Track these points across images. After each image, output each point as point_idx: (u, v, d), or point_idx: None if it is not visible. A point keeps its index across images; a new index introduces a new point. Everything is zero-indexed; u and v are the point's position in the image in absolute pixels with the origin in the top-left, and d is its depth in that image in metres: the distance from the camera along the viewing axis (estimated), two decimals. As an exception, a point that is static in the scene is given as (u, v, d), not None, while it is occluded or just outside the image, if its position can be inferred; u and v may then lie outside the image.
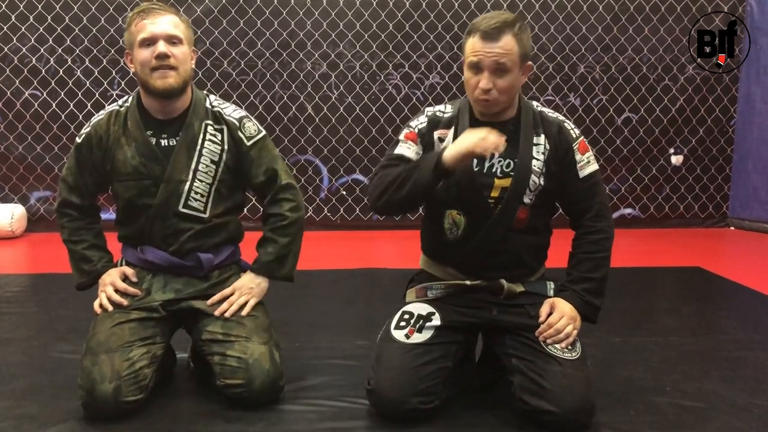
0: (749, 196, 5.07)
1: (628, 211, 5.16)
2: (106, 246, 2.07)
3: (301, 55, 4.80)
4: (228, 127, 1.98)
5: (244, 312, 1.94)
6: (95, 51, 4.66)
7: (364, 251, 4.46)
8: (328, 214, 4.99)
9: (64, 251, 2.06)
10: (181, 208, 1.94)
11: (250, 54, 4.76)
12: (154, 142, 1.93)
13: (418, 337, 1.82)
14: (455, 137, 1.79)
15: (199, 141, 1.95)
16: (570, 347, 1.79)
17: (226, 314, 1.93)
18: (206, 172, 1.96)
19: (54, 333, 2.53)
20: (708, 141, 5.10)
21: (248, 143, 1.99)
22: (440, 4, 4.80)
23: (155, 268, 1.98)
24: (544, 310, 1.84)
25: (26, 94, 4.67)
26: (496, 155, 1.81)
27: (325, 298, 3.18)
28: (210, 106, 1.99)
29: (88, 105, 4.67)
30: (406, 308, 1.91)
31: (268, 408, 1.86)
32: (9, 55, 4.62)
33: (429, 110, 1.92)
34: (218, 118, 1.98)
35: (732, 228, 5.19)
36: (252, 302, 1.97)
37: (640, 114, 5.02)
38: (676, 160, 5.12)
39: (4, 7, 4.57)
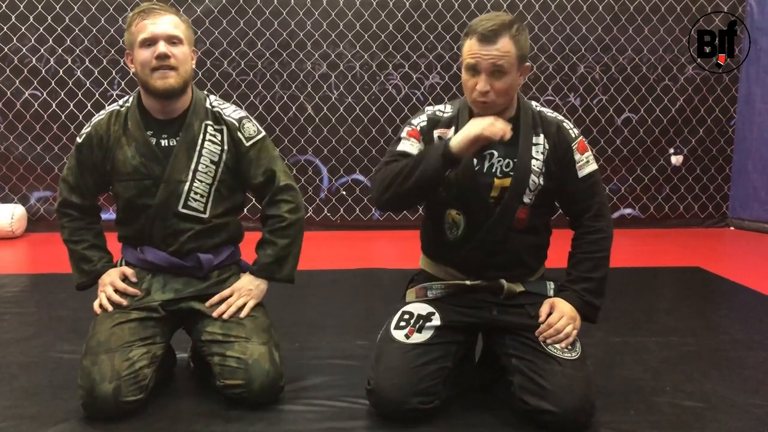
0: (749, 196, 5.07)
1: (628, 211, 5.16)
2: (106, 246, 2.07)
3: (301, 56, 4.80)
4: (228, 127, 1.98)
5: (242, 314, 1.94)
6: (95, 51, 4.66)
7: (364, 251, 4.46)
8: (328, 215, 4.99)
9: (64, 251, 2.06)
10: (180, 209, 1.94)
11: (250, 54, 4.76)
12: (154, 142, 1.93)
13: (418, 337, 1.82)
14: (455, 136, 1.79)
15: (199, 141, 1.95)
16: (570, 347, 1.80)
17: (224, 316, 1.92)
18: (206, 173, 1.96)
19: (54, 333, 2.53)
20: (708, 141, 5.10)
21: (247, 144, 1.99)
22: (440, 4, 4.80)
23: (155, 269, 1.98)
24: (544, 310, 1.84)
25: (26, 94, 4.67)
26: (496, 155, 1.81)
27: (325, 298, 3.18)
28: (210, 107, 1.99)
29: (88, 105, 4.67)
30: (406, 308, 1.91)
31: (267, 408, 1.86)
32: (9, 55, 4.62)
33: (429, 109, 1.92)
34: (218, 119, 1.98)
35: (732, 228, 5.19)
36: (251, 304, 1.97)
37: (639, 114, 5.02)
38: (676, 160, 5.12)
39: (4, 8, 4.57)
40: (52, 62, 4.65)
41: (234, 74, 4.77)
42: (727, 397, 1.99)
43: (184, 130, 1.94)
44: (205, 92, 2.05)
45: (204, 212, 1.97)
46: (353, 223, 5.00)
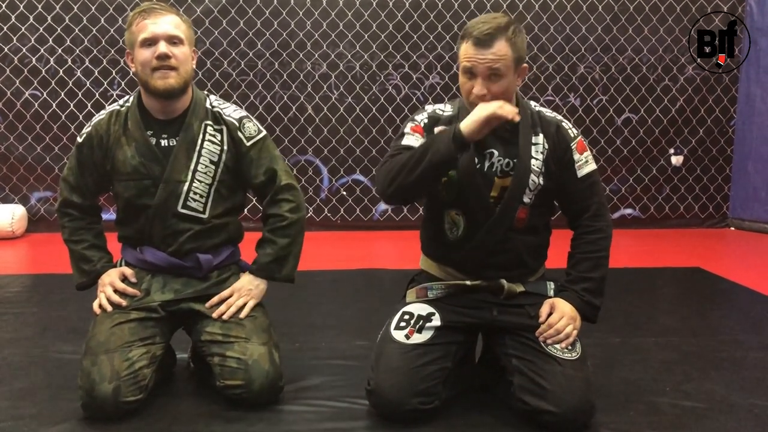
0: (749, 196, 5.07)
1: (628, 211, 5.16)
2: (106, 246, 2.07)
3: (301, 56, 4.80)
4: (227, 127, 1.98)
5: (242, 314, 1.94)
6: (95, 51, 4.66)
7: (364, 251, 4.46)
8: (329, 215, 4.99)
9: (64, 252, 2.06)
10: (180, 209, 1.94)
11: (250, 54, 4.76)
12: (154, 142, 1.93)
13: (418, 338, 1.82)
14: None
15: (199, 141, 1.94)
16: (570, 347, 1.80)
17: (224, 316, 1.92)
18: (205, 173, 1.95)
19: (54, 333, 2.53)
20: (708, 141, 5.10)
21: (248, 143, 1.99)
22: (440, 4, 4.80)
23: (154, 269, 1.98)
24: (544, 310, 1.84)
25: (26, 95, 4.67)
26: (496, 154, 1.81)
27: (325, 298, 3.18)
28: (210, 107, 1.99)
29: (88, 105, 4.67)
30: (406, 308, 1.91)
31: (267, 408, 1.85)
32: (9, 56, 4.62)
33: (429, 108, 1.92)
34: (218, 119, 1.98)
35: (732, 228, 5.19)
36: (251, 304, 1.97)
37: (640, 114, 5.02)
38: (676, 160, 5.12)
39: (4, 8, 4.57)
40: (52, 62, 4.65)
41: (234, 74, 4.77)
42: (727, 397, 1.99)
43: (183, 130, 1.94)
44: (206, 92, 2.05)
45: (203, 212, 1.97)
46: (353, 224, 5.00)
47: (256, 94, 4.81)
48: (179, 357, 2.18)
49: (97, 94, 4.69)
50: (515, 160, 1.82)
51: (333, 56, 4.82)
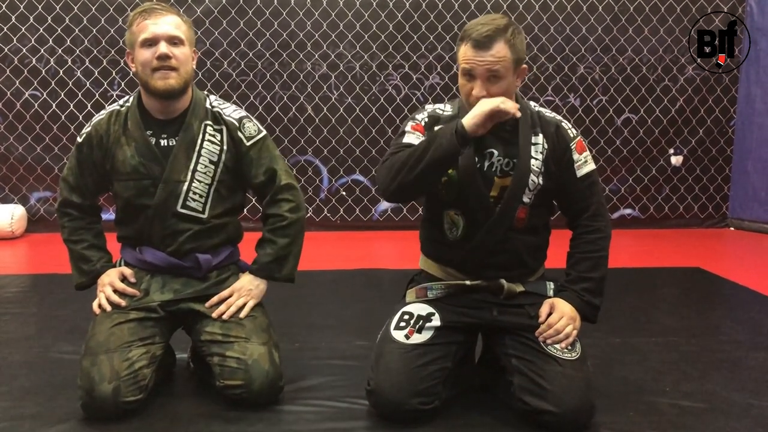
0: (749, 196, 5.07)
1: (628, 211, 5.16)
2: (105, 246, 2.07)
3: (301, 56, 4.80)
4: (227, 127, 1.98)
5: (242, 314, 1.94)
6: (95, 51, 4.66)
7: (363, 251, 4.46)
8: (328, 215, 4.99)
9: (63, 252, 2.06)
10: (179, 209, 1.94)
11: (250, 54, 4.76)
12: (153, 142, 1.93)
13: (417, 338, 1.82)
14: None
15: (198, 141, 1.94)
16: (570, 347, 1.80)
17: (224, 316, 1.92)
18: (205, 173, 1.95)
19: (54, 333, 2.53)
20: (708, 141, 5.10)
21: (248, 143, 1.99)
22: (440, 4, 4.80)
23: (154, 269, 1.98)
24: (543, 310, 1.84)
25: (26, 95, 4.67)
26: (496, 154, 1.81)
27: (325, 298, 3.18)
28: (210, 107, 1.99)
29: (88, 106, 4.67)
30: (406, 309, 1.91)
31: (267, 408, 1.85)
32: (9, 56, 4.62)
33: (429, 107, 1.92)
34: (218, 119, 1.98)
35: (732, 228, 5.19)
36: (250, 304, 1.97)
37: (639, 114, 5.02)
38: (676, 160, 5.12)
39: (4, 8, 4.57)
40: (52, 63, 4.65)
41: (234, 75, 4.77)
42: (727, 397, 1.99)
43: (183, 130, 1.94)
44: (206, 92, 2.05)
45: (203, 212, 1.97)
46: (353, 224, 5.00)
47: (256, 95, 4.81)
48: (179, 357, 2.18)
49: (97, 95, 4.69)
50: (515, 160, 1.82)
51: (333, 56, 4.82)
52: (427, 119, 1.87)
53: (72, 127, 4.65)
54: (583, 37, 4.90)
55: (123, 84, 4.71)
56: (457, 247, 1.88)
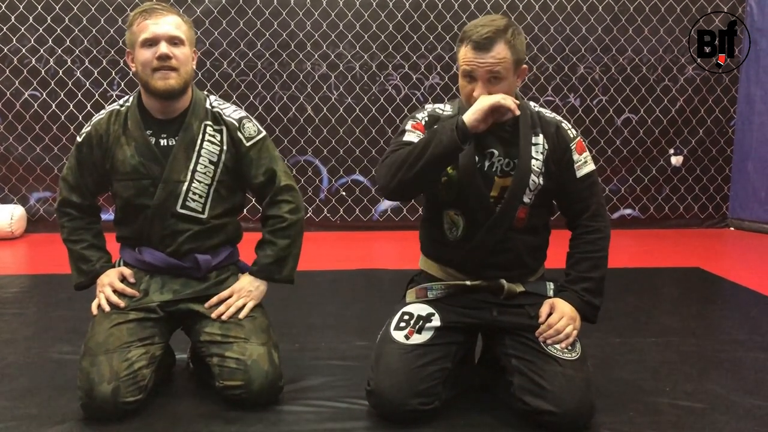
0: (749, 196, 5.07)
1: (628, 211, 5.16)
2: (105, 246, 2.07)
3: (300, 56, 4.80)
4: (227, 127, 1.98)
5: (241, 315, 1.93)
6: (95, 52, 4.66)
7: (363, 252, 4.46)
8: (328, 215, 4.99)
9: (63, 252, 2.06)
10: (179, 209, 1.94)
11: (250, 54, 4.76)
12: (153, 142, 1.93)
13: (417, 338, 1.82)
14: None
15: (198, 141, 1.94)
16: (570, 347, 1.79)
17: (223, 317, 1.92)
18: (204, 173, 1.95)
19: (53, 334, 2.53)
20: (708, 141, 5.10)
21: (248, 144, 1.99)
22: (440, 4, 4.80)
23: (153, 269, 1.98)
24: (543, 310, 1.84)
25: (26, 95, 4.67)
26: (496, 154, 1.81)
27: (324, 298, 3.18)
28: (210, 107, 1.99)
29: (88, 106, 4.67)
30: (406, 309, 1.90)
31: (267, 409, 1.85)
32: (9, 56, 4.62)
33: (429, 107, 1.92)
34: (218, 119, 1.98)
35: (732, 228, 5.19)
36: (250, 305, 1.96)
37: (639, 114, 5.02)
38: (676, 160, 5.12)
39: (3, 8, 4.57)
40: (51, 63, 4.65)
41: (234, 75, 4.77)
42: (726, 397, 1.99)
43: (183, 130, 1.93)
44: (206, 92, 2.05)
45: (202, 213, 1.97)
46: (353, 224, 5.00)
47: (255, 95, 4.81)
48: (178, 357, 2.18)
49: (96, 95, 4.69)
50: (515, 160, 1.81)
51: (333, 57, 4.82)
52: (427, 118, 1.87)
53: (72, 127, 4.65)
54: (583, 37, 4.90)
55: (123, 84, 4.71)
56: (457, 247, 1.88)
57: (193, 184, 1.94)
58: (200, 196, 1.96)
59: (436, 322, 1.84)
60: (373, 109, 4.89)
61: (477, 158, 1.81)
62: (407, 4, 4.78)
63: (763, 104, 4.88)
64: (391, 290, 2.72)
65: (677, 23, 4.92)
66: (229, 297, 1.97)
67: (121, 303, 1.92)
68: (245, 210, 2.22)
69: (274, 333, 1.98)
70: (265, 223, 2.05)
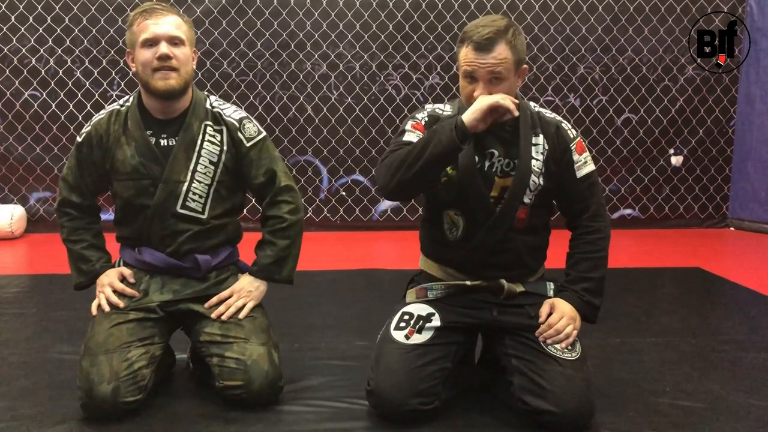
0: (749, 196, 5.07)
1: (628, 211, 5.16)
2: (104, 246, 2.07)
3: (300, 56, 4.80)
4: (227, 128, 1.98)
5: (241, 315, 1.93)
6: (95, 52, 4.66)
7: (363, 252, 4.46)
8: (328, 215, 4.99)
9: (63, 252, 2.05)
10: (179, 209, 1.94)
11: (250, 55, 4.76)
12: (153, 142, 1.93)
13: (417, 338, 1.82)
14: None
15: (198, 141, 1.94)
16: (570, 347, 1.79)
17: (223, 317, 1.92)
18: (205, 173, 1.95)
19: (53, 334, 2.53)
20: (708, 141, 5.11)
21: (248, 144, 1.99)
22: (440, 4, 4.80)
23: (153, 269, 1.98)
24: (544, 310, 1.84)
25: (26, 95, 4.67)
26: (496, 154, 1.81)
27: (324, 298, 3.18)
28: (210, 107, 1.99)
29: (88, 106, 4.67)
30: (406, 309, 1.90)
31: (267, 409, 1.85)
32: (9, 56, 4.62)
33: (429, 107, 1.92)
34: (218, 119, 1.98)
35: (732, 228, 5.19)
36: (250, 305, 1.96)
37: (639, 115, 5.02)
38: (676, 160, 5.12)
39: (3, 8, 4.58)
40: (51, 63, 4.65)
41: (234, 75, 4.77)
42: (726, 397, 1.99)
43: (183, 131, 1.93)
44: (206, 93, 2.05)
45: (202, 213, 1.96)
46: (353, 224, 5.00)
47: (255, 95, 4.81)
48: (178, 357, 2.18)
49: (96, 95, 4.69)
50: (515, 161, 1.81)
51: (333, 57, 4.82)
52: (427, 119, 1.87)
53: (71, 127, 4.65)
54: (583, 37, 4.90)
55: (122, 84, 4.71)
56: (457, 247, 1.88)
57: (193, 185, 1.94)
58: (200, 197, 1.96)
59: (436, 322, 1.84)
60: (373, 109, 4.89)
61: (477, 158, 1.81)
62: (407, 4, 4.78)
63: (763, 104, 4.89)
64: (391, 290, 2.72)
65: (677, 23, 4.92)
66: (229, 297, 1.97)
67: (121, 303, 1.92)
68: (245, 210, 2.22)
69: (274, 333, 1.98)
70: (264, 223, 2.05)
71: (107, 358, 1.77)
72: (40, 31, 4.61)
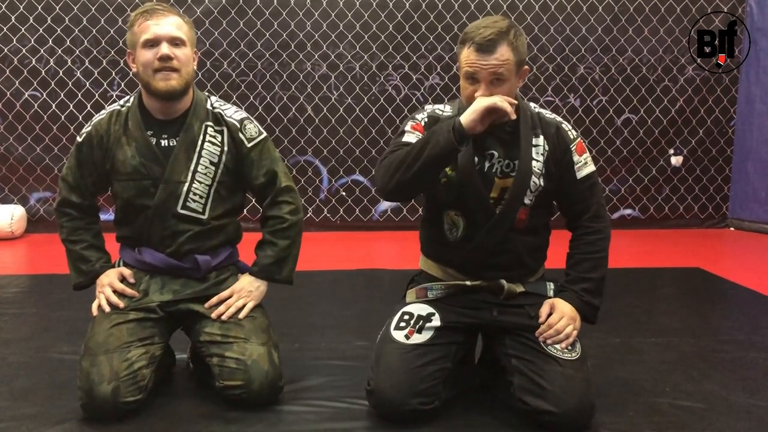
0: (749, 196, 5.07)
1: (628, 211, 5.16)
2: (104, 246, 2.06)
3: (300, 56, 4.80)
4: (228, 128, 1.98)
5: (241, 315, 1.93)
6: (95, 52, 4.67)
7: (363, 252, 4.46)
8: (328, 215, 4.99)
9: (63, 252, 2.05)
10: (179, 210, 1.94)
11: (250, 55, 4.76)
12: (154, 143, 1.93)
13: (417, 338, 1.82)
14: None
15: (199, 142, 1.94)
16: (570, 348, 1.79)
17: (223, 317, 1.92)
18: (205, 174, 1.95)
19: (53, 334, 2.53)
20: (708, 142, 5.11)
21: (249, 145, 1.99)
22: (440, 5, 4.80)
23: (153, 270, 1.98)
24: (543, 310, 1.84)
25: (26, 95, 4.68)
26: (496, 155, 1.82)
27: (324, 298, 3.18)
28: (211, 108, 1.99)
29: (88, 106, 4.67)
30: (406, 309, 1.90)
31: (267, 409, 1.85)
32: (9, 56, 4.63)
33: (428, 107, 1.92)
34: (219, 120, 1.98)
35: (732, 229, 5.19)
36: (250, 305, 1.96)
37: (639, 115, 5.02)
38: (676, 160, 5.12)
39: (4, 8, 4.58)
40: (51, 63, 4.66)
41: (234, 75, 4.77)
42: (726, 397, 1.99)
43: (184, 131, 1.93)
44: (206, 93, 2.05)
45: (203, 213, 1.97)
46: (353, 224, 5.00)
47: (255, 95, 4.81)
48: (179, 357, 2.18)
49: (96, 95, 4.69)
50: (515, 162, 1.81)
51: (333, 57, 4.82)
52: (426, 119, 1.87)
53: (72, 128, 4.65)
54: (583, 38, 4.90)
55: (123, 84, 4.71)
56: (457, 247, 1.88)
57: (194, 185, 1.94)
58: (201, 197, 1.96)
59: (436, 322, 1.84)
60: (373, 110, 4.89)
61: (477, 159, 1.81)
62: (407, 5, 4.78)
63: (763, 104, 4.89)
64: (391, 290, 2.72)
65: (677, 23, 4.92)
66: (229, 297, 1.97)
67: (121, 303, 1.92)
68: (245, 210, 2.22)
69: (274, 333, 1.98)
70: (265, 223, 2.05)
71: (107, 358, 1.78)
72: (41, 31, 4.61)
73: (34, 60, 4.64)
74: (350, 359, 2.26)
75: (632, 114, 5.02)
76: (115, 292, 1.94)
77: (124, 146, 1.93)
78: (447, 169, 1.79)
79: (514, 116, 1.72)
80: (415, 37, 4.82)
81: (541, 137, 1.84)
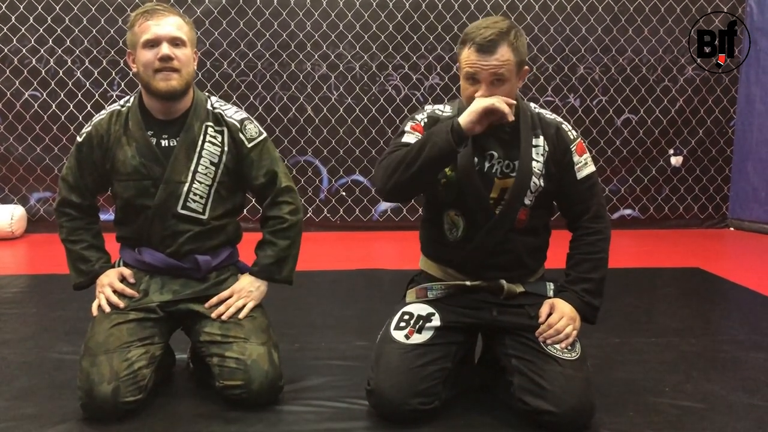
0: (749, 197, 5.07)
1: (628, 211, 5.16)
2: (104, 246, 2.06)
3: (300, 56, 4.80)
4: (229, 128, 1.98)
5: (241, 315, 1.93)
6: (95, 52, 4.67)
7: (363, 252, 4.46)
8: (328, 215, 4.99)
9: (63, 252, 2.05)
10: (179, 210, 1.94)
11: (250, 55, 4.76)
12: (154, 143, 1.93)
13: (417, 338, 1.82)
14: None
15: (199, 142, 1.94)
16: (570, 347, 1.79)
17: (223, 317, 1.92)
18: (205, 174, 1.95)
19: (53, 334, 2.53)
20: (708, 142, 5.11)
21: (249, 145, 1.99)
22: (440, 5, 4.80)
23: (153, 270, 1.98)
24: (543, 310, 1.84)
25: (26, 95, 4.68)
26: (496, 155, 1.82)
27: (325, 298, 3.18)
28: (211, 108, 1.99)
29: (88, 106, 4.68)
30: (406, 309, 1.90)
31: (267, 409, 1.85)
32: (9, 56, 4.63)
33: (428, 108, 1.92)
34: (219, 120, 1.98)
35: (731, 229, 5.19)
36: (250, 305, 1.96)
37: (639, 115, 5.02)
38: (676, 161, 5.12)
39: (4, 8, 4.58)
40: (51, 63, 4.66)
41: (234, 75, 4.77)
42: (726, 397, 1.99)
43: (184, 131, 1.93)
44: (207, 93, 2.05)
45: (203, 213, 1.97)
46: (353, 224, 5.00)
47: (255, 95, 4.81)
48: (179, 357, 2.18)
49: (96, 95, 4.69)
50: (515, 162, 1.81)
51: (333, 57, 4.82)
52: (426, 120, 1.87)
53: (72, 128, 4.65)
54: (583, 38, 4.90)
55: (123, 84, 4.71)
56: (457, 247, 1.88)
57: (194, 185, 1.94)
58: (201, 197, 1.96)
59: (436, 321, 1.84)
60: (373, 110, 4.89)
61: (477, 160, 1.81)
62: (407, 5, 4.79)
63: (763, 104, 4.89)
64: (391, 290, 2.72)
65: (677, 23, 4.93)
66: (229, 297, 1.97)
67: (121, 303, 1.92)
68: (245, 210, 2.22)
69: (274, 333, 1.98)
70: (265, 223, 2.05)
71: (107, 358, 1.78)
72: (41, 31, 4.62)
73: (34, 60, 4.64)
74: (350, 359, 2.26)
75: (632, 114, 5.02)
76: (115, 292, 1.94)
77: (125, 146, 1.93)
78: (447, 170, 1.79)
79: (512, 118, 1.72)
80: (415, 37, 4.82)
81: (541, 138, 1.84)
